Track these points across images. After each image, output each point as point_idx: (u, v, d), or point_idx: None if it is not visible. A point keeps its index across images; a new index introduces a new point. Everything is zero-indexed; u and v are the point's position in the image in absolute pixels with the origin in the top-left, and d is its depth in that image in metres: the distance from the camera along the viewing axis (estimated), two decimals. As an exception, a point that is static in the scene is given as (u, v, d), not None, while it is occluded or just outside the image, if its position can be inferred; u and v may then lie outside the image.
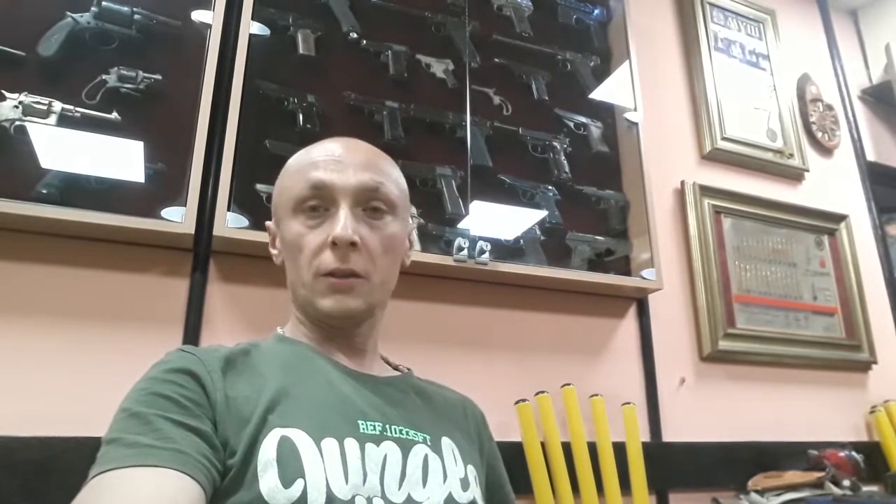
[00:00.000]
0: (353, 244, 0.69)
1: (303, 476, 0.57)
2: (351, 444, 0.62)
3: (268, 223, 0.81)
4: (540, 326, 1.50)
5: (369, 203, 0.73)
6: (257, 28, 1.33)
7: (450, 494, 0.67)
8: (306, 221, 0.71)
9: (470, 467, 0.73)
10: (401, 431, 0.68)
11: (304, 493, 0.56)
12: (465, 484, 0.70)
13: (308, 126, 1.33)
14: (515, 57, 1.67)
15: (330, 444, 0.61)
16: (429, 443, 0.70)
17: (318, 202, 0.71)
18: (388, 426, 0.67)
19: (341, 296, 0.70)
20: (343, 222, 0.69)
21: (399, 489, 0.63)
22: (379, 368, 0.79)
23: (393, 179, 0.76)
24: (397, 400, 0.73)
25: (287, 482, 0.56)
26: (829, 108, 2.29)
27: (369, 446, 0.63)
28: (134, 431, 0.55)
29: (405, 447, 0.66)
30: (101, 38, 1.21)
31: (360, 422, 0.65)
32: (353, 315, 0.72)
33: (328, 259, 0.69)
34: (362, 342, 0.77)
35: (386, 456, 0.64)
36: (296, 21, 1.41)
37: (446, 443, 0.72)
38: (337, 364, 0.73)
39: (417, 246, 1.28)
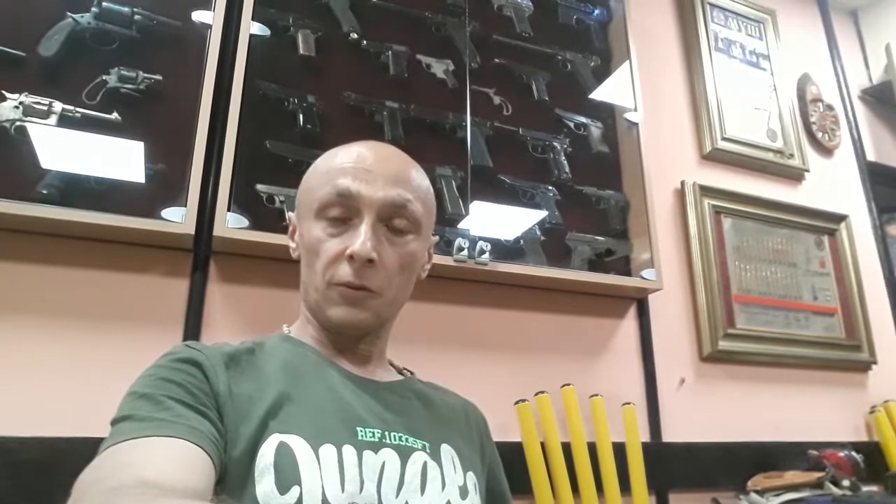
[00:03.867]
0: (369, 261, 0.68)
1: (299, 483, 0.57)
2: (349, 451, 0.62)
3: (290, 214, 0.80)
4: (540, 326, 1.50)
5: (393, 220, 0.71)
6: (257, 28, 1.33)
7: (448, 502, 0.66)
8: (327, 228, 0.70)
9: (470, 474, 0.72)
10: (400, 438, 0.67)
11: (300, 499, 0.56)
12: (463, 492, 0.69)
13: (308, 126, 1.33)
14: (516, 57, 1.67)
15: (328, 451, 0.61)
16: (428, 450, 0.69)
17: (342, 211, 0.70)
18: (387, 433, 0.67)
19: (351, 307, 0.70)
20: (362, 238, 0.68)
21: (397, 497, 0.62)
22: (382, 373, 0.78)
23: (421, 196, 0.75)
24: (398, 406, 0.73)
25: (283, 488, 0.56)
26: (830, 108, 2.29)
27: (367, 454, 0.63)
28: (145, 409, 0.56)
29: (404, 454, 0.66)
30: (102, 39, 1.21)
31: (358, 429, 0.65)
32: (360, 327, 0.72)
33: (344, 271, 0.69)
34: (368, 349, 0.77)
35: (384, 463, 0.64)
36: (296, 21, 1.41)
37: (446, 450, 0.72)
38: (340, 369, 0.72)
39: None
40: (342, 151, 0.74)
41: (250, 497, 0.56)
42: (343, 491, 0.59)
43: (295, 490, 0.57)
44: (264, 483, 0.56)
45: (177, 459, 0.51)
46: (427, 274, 0.82)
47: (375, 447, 0.64)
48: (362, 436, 0.64)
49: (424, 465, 0.67)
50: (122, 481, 0.47)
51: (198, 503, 0.45)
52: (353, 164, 0.71)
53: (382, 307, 0.72)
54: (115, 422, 0.56)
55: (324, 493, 0.58)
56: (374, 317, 0.72)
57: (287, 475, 0.57)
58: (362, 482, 0.61)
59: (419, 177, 0.76)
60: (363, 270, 0.68)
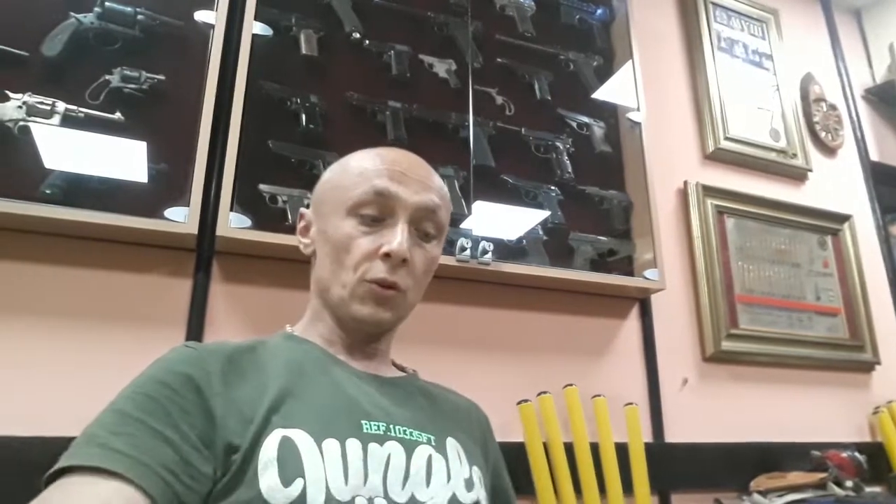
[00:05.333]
0: (403, 260, 0.70)
1: (302, 475, 0.57)
2: (353, 444, 0.62)
3: (303, 210, 0.81)
4: (542, 327, 1.50)
5: (422, 224, 0.74)
6: (260, 28, 1.33)
7: (454, 495, 0.67)
8: (359, 226, 0.72)
9: (475, 468, 0.73)
10: (405, 432, 0.68)
11: (304, 492, 0.57)
12: (469, 484, 0.70)
13: (311, 126, 1.33)
14: (518, 57, 1.67)
15: (331, 444, 0.61)
16: (433, 443, 0.70)
17: (377, 210, 0.72)
18: (391, 426, 0.67)
19: (378, 307, 0.71)
20: (400, 238, 0.70)
21: (402, 489, 0.63)
22: (385, 369, 0.79)
23: (446, 205, 0.78)
24: (402, 400, 0.73)
25: (287, 481, 0.57)
26: (833, 107, 2.28)
27: (372, 446, 0.63)
28: (109, 430, 0.56)
29: (409, 447, 0.66)
30: (105, 39, 1.22)
31: (363, 422, 0.65)
32: (383, 326, 0.74)
33: (378, 268, 0.70)
34: (375, 347, 0.78)
35: (389, 456, 0.64)
36: (298, 21, 1.41)
37: (451, 443, 0.72)
38: (343, 364, 0.73)
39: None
40: (373, 154, 0.76)
41: (254, 491, 0.56)
42: (347, 483, 0.59)
43: (299, 482, 0.57)
44: (267, 477, 0.57)
45: (94, 499, 0.51)
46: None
47: (380, 440, 0.65)
48: (367, 429, 0.65)
49: (429, 458, 0.67)
50: None
51: None
52: (388, 167, 0.74)
53: (404, 307, 0.74)
54: (84, 430, 0.57)
55: (327, 486, 0.58)
56: (395, 317, 0.74)
57: (290, 468, 0.57)
58: (367, 474, 0.61)
59: (442, 185, 0.79)
60: (396, 269, 0.70)
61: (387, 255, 0.69)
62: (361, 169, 0.74)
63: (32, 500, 0.52)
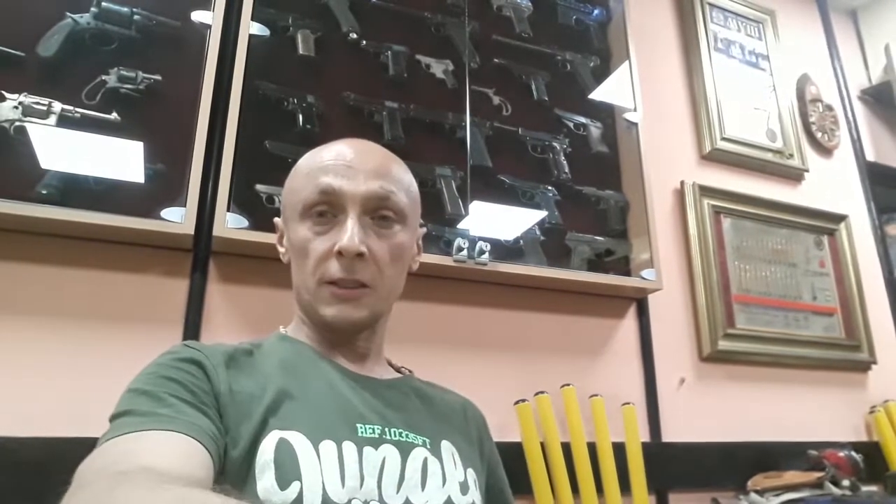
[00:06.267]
0: (359, 255, 0.68)
1: (299, 478, 0.57)
2: (349, 447, 0.62)
3: (276, 220, 0.81)
4: (539, 327, 1.50)
5: (378, 212, 0.72)
6: (257, 28, 1.33)
7: (448, 498, 0.66)
8: (313, 227, 0.70)
9: (470, 471, 0.73)
10: (400, 434, 0.68)
11: (300, 495, 0.57)
12: (464, 488, 0.69)
13: (307, 126, 1.33)
14: (515, 57, 1.67)
15: (328, 447, 0.61)
16: (428, 446, 0.70)
17: (327, 208, 0.70)
18: (387, 429, 0.67)
19: (344, 306, 0.70)
20: (350, 232, 0.68)
21: (397, 493, 0.63)
22: (380, 371, 0.79)
23: (404, 187, 0.75)
24: (397, 402, 0.73)
25: (283, 484, 0.57)
26: (829, 108, 2.29)
27: (367, 450, 0.63)
28: (146, 405, 0.56)
29: (404, 450, 0.66)
30: (101, 39, 1.21)
31: (358, 425, 0.65)
32: (355, 325, 0.72)
33: (334, 268, 0.69)
34: (364, 346, 0.77)
35: (384, 459, 0.64)
36: (295, 21, 1.41)
37: (446, 446, 0.72)
38: (338, 366, 0.72)
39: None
40: (322, 151, 0.75)
41: (251, 494, 0.56)
42: (343, 486, 0.59)
43: (295, 486, 0.57)
44: (265, 479, 0.57)
45: (177, 451, 0.52)
46: (418, 266, 0.82)
47: (375, 443, 0.64)
48: (362, 432, 0.65)
49: (425, 461, 0.67)
50: (125, 467, 0.48)
51: (200, 491, 0.44)
52: (333, 162, 0.72)
53: (375, 301, 0.72)
54: (114, 417, 0.56)
55: (324, 489, 0.58)
56: (368, 313, 0.72)
57: (287, 471, 0.58)
58: (363, 478, 0.61)
59: (400, 171, 0.77)
60: (353, 265, 0.69)
61: (340, 253, 0.68)
62: (308, 169, 0.73)
63: (91, 453, 0.51)
